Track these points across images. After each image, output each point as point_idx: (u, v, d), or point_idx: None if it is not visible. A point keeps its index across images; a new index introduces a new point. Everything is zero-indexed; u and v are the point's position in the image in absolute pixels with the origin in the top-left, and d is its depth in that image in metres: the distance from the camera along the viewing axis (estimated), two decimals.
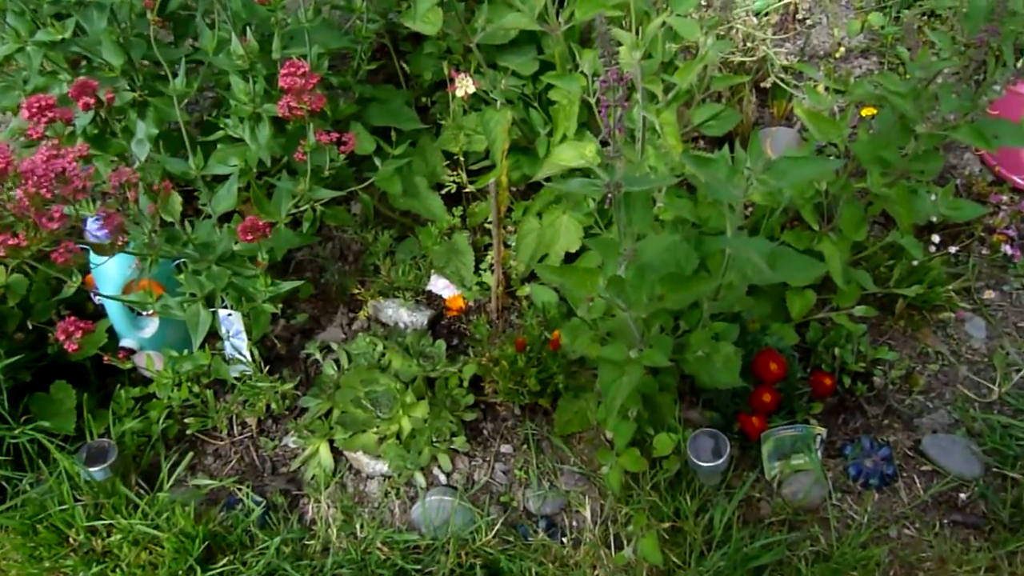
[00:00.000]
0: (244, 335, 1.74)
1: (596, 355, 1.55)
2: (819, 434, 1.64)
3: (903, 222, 1.64)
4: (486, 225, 1.98)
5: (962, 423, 1.72)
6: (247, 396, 1.77)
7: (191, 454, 1.76)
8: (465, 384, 1.78)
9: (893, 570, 1.54)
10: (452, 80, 1.84)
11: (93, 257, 1.67)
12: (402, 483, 1.70)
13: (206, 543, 1.57)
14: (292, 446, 1.79)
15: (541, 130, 1.94)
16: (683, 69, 1.63)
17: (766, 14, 2.22)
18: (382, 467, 1.72)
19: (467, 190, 1.96)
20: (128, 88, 1.72)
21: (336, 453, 1.75)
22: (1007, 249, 1.94)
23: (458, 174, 1.95)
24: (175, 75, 1.64)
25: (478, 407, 1.79)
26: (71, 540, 1.59)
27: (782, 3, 2.29)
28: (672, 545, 1.54)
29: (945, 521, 1.60)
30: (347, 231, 2.05)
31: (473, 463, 1.74)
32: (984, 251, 1.97)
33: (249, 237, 1.44)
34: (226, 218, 1.75)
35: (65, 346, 1.39)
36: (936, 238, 1.95)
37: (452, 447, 1.73)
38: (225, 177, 1.68)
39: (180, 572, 1.54)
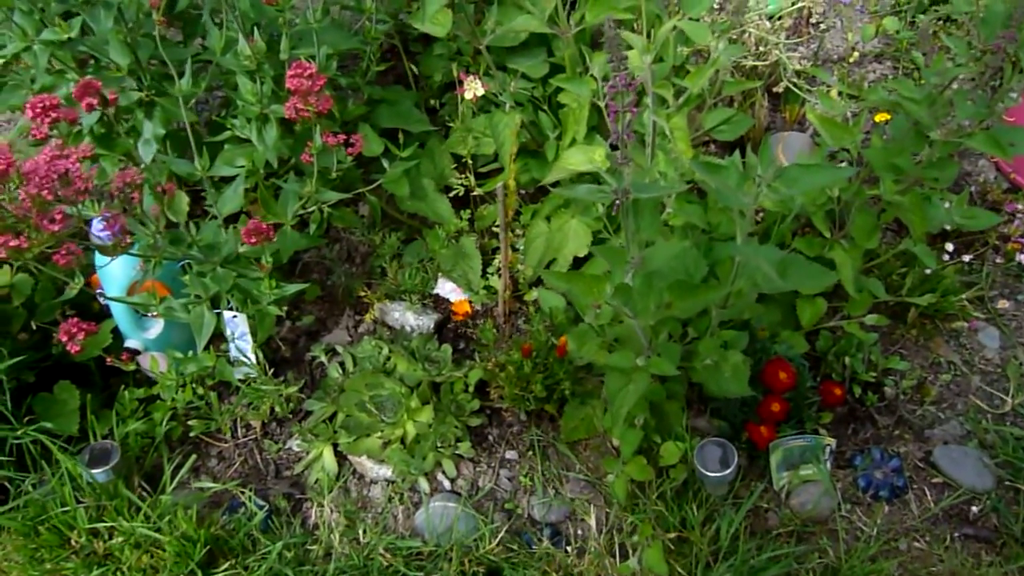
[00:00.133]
0: (249, 337, 1.73)
1: (603, 362, 1.53)
2: (828, 444, 1.62)
3: (916, 230, 1.62)
4: (494, 228, 1.96)
5: (974, 435, 1.69)
6: (251, 399, 1.76)
7: (194, 456, 1.75)
8: (471, 389, 1.77)
9: None
10: (461, 82, 1.82)
11: (98, 258, 1.67)
12: (406, 488, 1.69)
13: (208, 547, 1.56)
14: (296, 449, 1.77)
15: (550, 133, 1.92)
16: (694, 74, 1.61)
17: (779, 18, 2.19)
18: (386, 472, 1.70)
19: (475, 193, 1.95)
20: (135, 88, 1.71)
21: (340, 457, 1.74)
22: (1022, 258, 1.91)
23: (466, 177, 1.94)
24: (181, 75, 1.62)
25: (484, 412, 1.77)
26: (72, 542, 1.58)
27: (796, 7, 2.26)
28: (678, 556, 1.52)
29: (956, 535, 1.58)
30: (354, 233, 2.04)
31: (478, 469, 1.72)
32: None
33: (253, 240, 1.43)
34: (233, 219, 1.74)
35: (68, 348, 1.38)
36: (950, 246, 1.92)
37: (457, 453, 1.71)
38: (233, 177, 1.67)
39: (181, 575, 1.53)
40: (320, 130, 1.61)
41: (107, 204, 1.29)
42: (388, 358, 1.80)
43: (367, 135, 1.88)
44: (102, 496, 1.62)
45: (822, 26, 2.41)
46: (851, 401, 1.73)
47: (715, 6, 2.13)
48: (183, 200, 1.77)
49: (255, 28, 1.69)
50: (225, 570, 1.55)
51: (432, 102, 2.11)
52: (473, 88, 1.79)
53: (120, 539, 1.57)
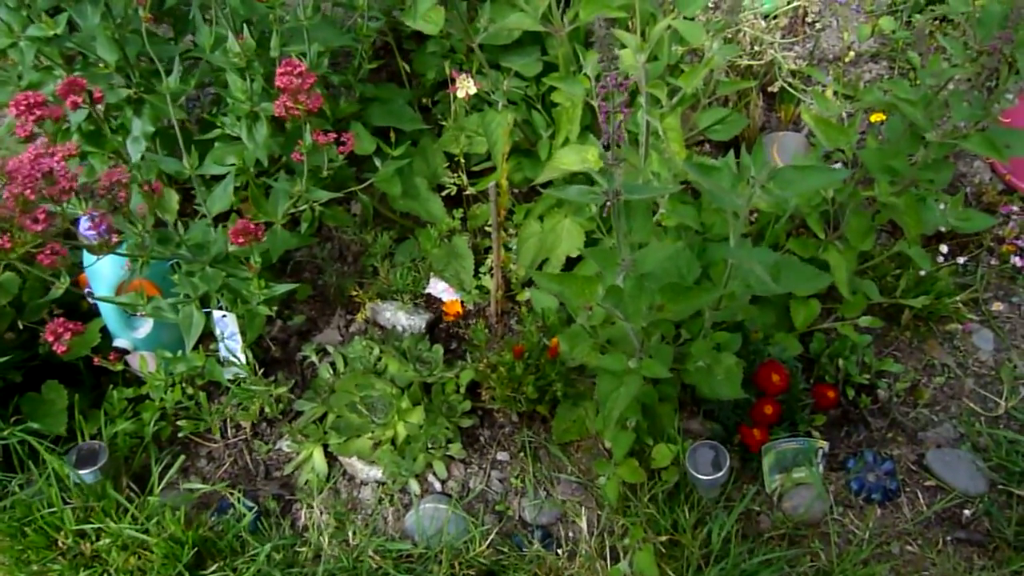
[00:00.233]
0: (238, 337, 1.71)
1: (595, 364, 1.52)
2: (821, 447, 1.61)
3: (911, 232, 1.60)
4: (487, 228, 1.95)
5: (967, 438, 1.69)
6: (241, 399, 1.74)
7: (183, 457, 1.74)
8: (462, 390, 1.75)
9: None
10: (453, 80, 1.81)
11: (86, 257, 1.65)
12: (396, 490, 1.68)
13: (196, 549, 1.55)
14: (286, 450, 1.76)
15: (544, 133, 1.90)
16: (688, 73, 1.60)
17: (775, 17, 2.18)
18: (376, 473, 1.69)
19: (468, 192, 1.93)
20: (124, 85, 1.70)
21: (330, 458, 1.72)
22: (1016, 260, 1.90)
23: (459, 176, 1.93)
24: (169, 73, 1.61)
25: (475, 413, 1.76)
26: (59, 543, 1.57)
27: (791, 6, 2.25)
28: (669, 559, 1.51)
29: (948, 538, 1.57)
30: (346, 232, 2.02)
31: (469, 470, 1.71)
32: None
33: (241, 241, 1.41)
34: (224, 217, 1.72)
35: (54, 348, 1.37)
36: (944, 248, 1.91)
37: (448, 454, 1.70)
38: (224, 175, 1.65)
39: None
40: (311, 128, 1.59)
41: (94, 203, 1.28)
42: (379, 358, 1.79)
43: (359, 133, 1.87)
44: (89, 497, 1.61)
45: (818, 25, 2.39)
46: (844, 403, 1.72)
47: (710, 5, 2.11)
48: (173, 198, 1.75)
49: (245, 25, 1.68)
50: (213, 572, 1.54)
51: (425, 100, 2.10)
52: (465, 86, 1.78)
53: (107, 541, 1.55)
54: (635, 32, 1.67)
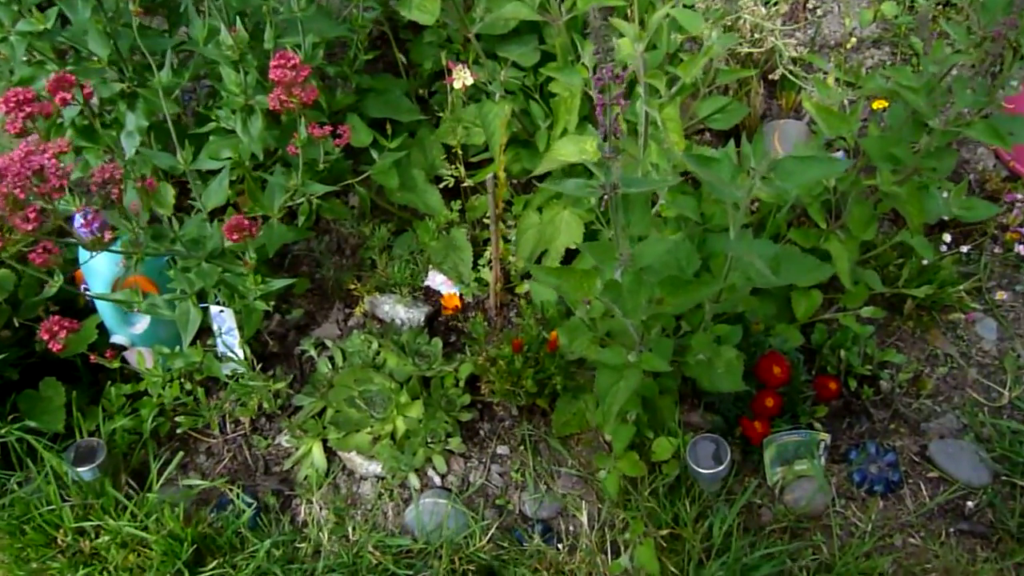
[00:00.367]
0: (236, 332, 1.70)
1: (594, 358, 1.51)
2: (823, 440, 1.60)
3: (913, 221, 1.59)
4: (485, 220, 1.93)
5: (971, 428, 1.67)
6: (239, 394, 1.74)
7: (182, 453, 1.73)
8: (461, 384, 1.74)
9: None
10: (450, 71, 1.79)
11: (82, 253, 1.64)
12: (396, 485, 1.67)
13: (195, 545, 1.54)
14: (285, 445, 1.75)
15: (542, 123, 1.88)
16: (687, 63, 1.58)
17: (775, 3, 2.15)
18: (376, 468, 1.68)
19: (466, 184, 1.92)
20: (117, 79, 1.68)
21: (329, 453, 1.72)
22: (1021, 249, 1.88)
23: (456, 167, 1.91)
24: (161, 66, 1.59)
25: (475, 407, 1.75)
26: (59, 541, 1.56)
27: None
28: (670, 553, 1.50)
29: (951, 530, 1.56)
30: (344, 224, 2.01)
31: (469, 464, 1.70)
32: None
33: (235, 237, 1.40)
34: (221, 211, 1.71)
35: (49, 346, 1.36)
36: (947, 237, 1.89)
37: (447, 448, 1.69)
38: (220, 169, 1.64)
39: (168, 575, 1.51)
40: (306, 121, 1.57)
41: (87, 200, 1.26)
42: (378, 352, 1.78)
43: (355, 125, 1.85)
44: (88, 494, 1.60)
45: (819, 11, 2.37)
46: (846, 395, 1.71)
47: None
48: (169, 192, 1.73)
49: (239, 17, 1.66)
50: (212, 569, 1.53)
51: (422, 91, 2.08)
52: (462, 77, 1.75)
53: (106, 538, 1.55)
54: (634, 20, 1.65)
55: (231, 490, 1.66)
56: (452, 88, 1.80)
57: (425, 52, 2.04)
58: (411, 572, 1.53)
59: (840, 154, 1.91)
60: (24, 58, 1.62)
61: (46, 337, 1.35)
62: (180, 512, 1.57)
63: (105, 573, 1.53)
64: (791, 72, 2.11)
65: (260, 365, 1.76)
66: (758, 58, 2.14)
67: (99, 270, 1.67)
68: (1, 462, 1.66)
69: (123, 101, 1.70)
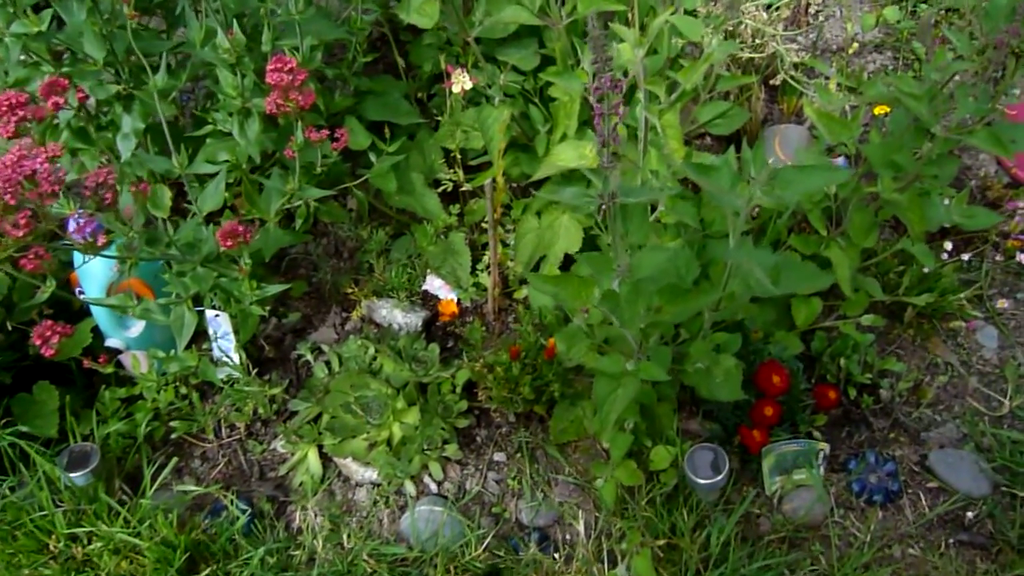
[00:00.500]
0: (232, 336, 1.69)
1: (592, 365, 1.50)
2: (822, 449, 1.58)
3: (915, 229, 1.57)
4: (483, 224, 1.92)
5: (971, 438, 1.66)
6: (235, 399, 1.72)
7: (177, 458, 1.71)
8: (458, 390, 1.73)
9: None
10: (448, 75, 1.78)
11: (76, 256, 1.62)
12: (391, 491, 1.66)
13: (188, 552, 1.53)
14: (281, 450, 1.74)
15: (541, 128, 1.87)
16: (687, 69, 1.56)
17: (777, 8, 2.14)
18: (371, 475, 1.67)
19: (464, 188, 1.90)
20: (113, 81, 1.66)
21: (325, 459, 1.70)
22: (1022, 257, 1.87)
23: (455, 171, 1.90)
24: (157, 69, 1.58)
25: (472, 413, 1.74)
26: (51, 547, 1.55)
27: None
28: (667, 563, 1.49)
29: (951, 541, 1.55)
30: (342, 227, 1.99)
31: (465, 472, 1.69)
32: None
33: (229, 243, 1.38)
34: (217, 215, 1.69)
35: (42, 352, 1.34)
36: (948, 244, 1.88)
37: (444, 455, 1.68)
38: (217, 172, 1.62)
39: None
40: (303, 125, 1.56)
41: (81, 204, 1.25)
42: (374, 358, 1.77)
43: (354, 128, 1.84)
44: (81, 500, 1.59)
45: (821, 16, 2.35)
46: (846, 403, 1.69)
47: None
48: (165, 194, 1.72)
49: (237, 19, 1.64)
50: None
51: (421, 94, 2.06)
52: (460, 81, 1.74)
53: (99, 544, 1.54)
54: (634, 26, 1.64)
55: (225, 496, 1.64)
56: (451, 92, 1.78)
57: (425, 54, 2.03)
58: None
59: (841, 160, 1.90)
60: (21, 57, 1.60)
61: (39, 342, 1.34)
62: (174, 518, 1.56)
63: None
64: (792, 77, 2.11)
65: (256, 370, 1.74)
66: (759, 63, 2.12)
67: (94, 273, 1.65)
68: None
69: (119, 103, 1.69)
